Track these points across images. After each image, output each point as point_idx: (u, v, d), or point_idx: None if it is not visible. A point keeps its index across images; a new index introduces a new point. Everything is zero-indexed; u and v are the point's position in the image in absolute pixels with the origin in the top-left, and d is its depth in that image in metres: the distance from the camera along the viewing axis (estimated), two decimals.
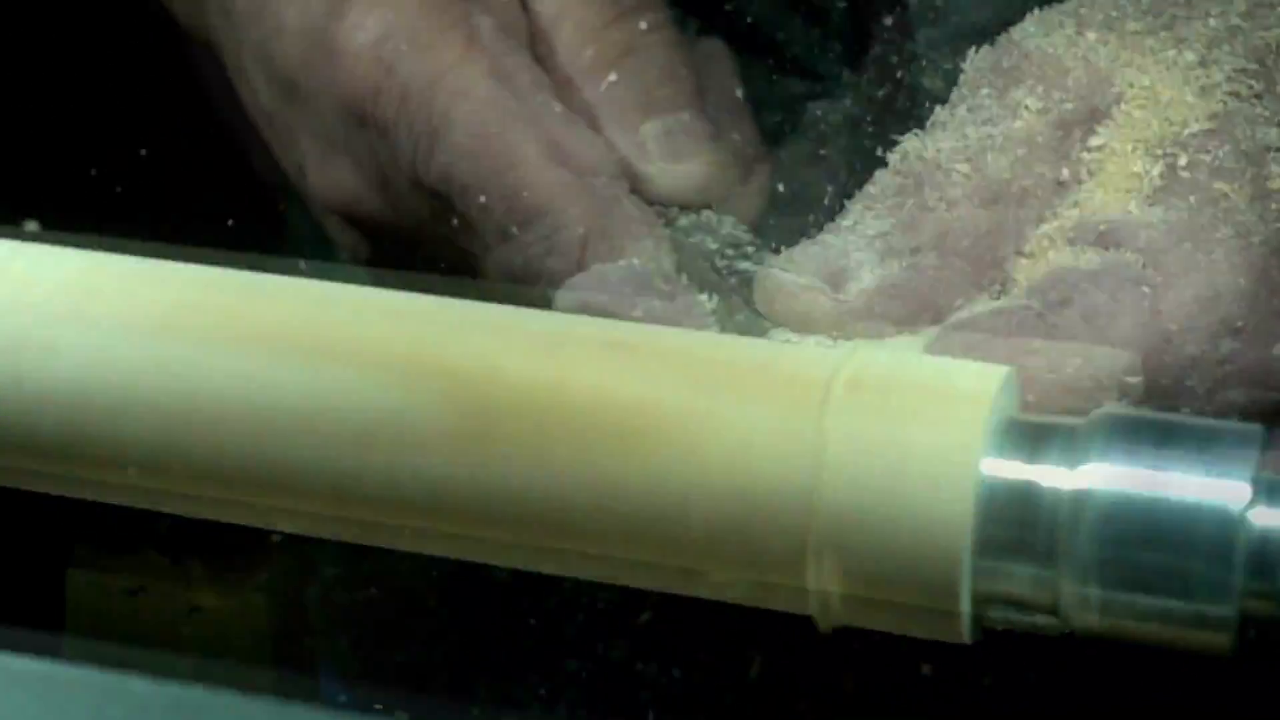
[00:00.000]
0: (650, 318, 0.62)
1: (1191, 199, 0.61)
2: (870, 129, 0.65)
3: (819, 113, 0.81)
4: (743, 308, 0.63)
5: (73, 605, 1.23)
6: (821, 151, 0.81)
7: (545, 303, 0.64)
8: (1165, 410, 0.56)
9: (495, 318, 0.57)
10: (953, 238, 0.62)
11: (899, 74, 0.79)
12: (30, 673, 0.49)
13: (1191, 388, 0.59)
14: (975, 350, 0.58)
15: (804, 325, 0.61)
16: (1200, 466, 0.50)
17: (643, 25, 0.71)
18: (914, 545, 0.50)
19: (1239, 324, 0.60)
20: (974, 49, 0.66)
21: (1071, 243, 0.62)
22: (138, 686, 0.48)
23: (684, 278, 0.65)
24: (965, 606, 0.51)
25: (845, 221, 0.63)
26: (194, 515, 0.57)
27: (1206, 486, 0.49)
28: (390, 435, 0.53)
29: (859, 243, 0.61)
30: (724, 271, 0.66)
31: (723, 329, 0.62)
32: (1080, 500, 0.50)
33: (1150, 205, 0.62)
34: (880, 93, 0.79)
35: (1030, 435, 0.51)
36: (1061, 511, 0.50)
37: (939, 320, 0.60)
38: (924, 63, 0.66)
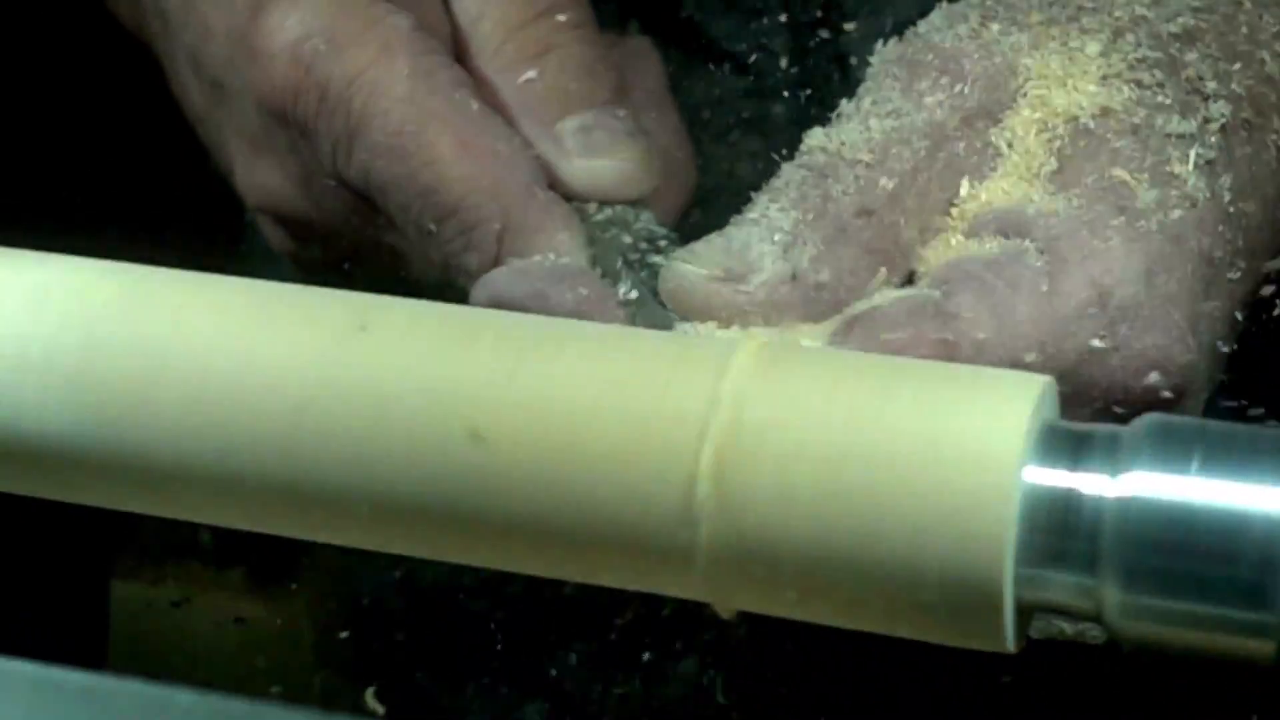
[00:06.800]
0: (563, 312, 0.63)
1: (1090, 187, 0.62)
2: (805, 123, 0.65)
3: (755, 108, 0.82)
4: (650, 300, 0.64)
5: (117, 617, 1.23)
6: (756, 146, 0.81)
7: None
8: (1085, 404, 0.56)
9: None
10: (855, 229, 0.62)
11: (832, 68, 0.79)
12: (75, 685, 0.49)
13: (1090, 374, 0.59)
14: (875, 340, 0.58)
15: (706, 316, 0.61)
16: (1244, 473, 0.50)
17: (562, 21, 0.72)
18: (956, 554, 0.50)
19: (1135, 309, 0.60)
20: (881, 42, 0.67)
21: (973, 232, 0.62)
22: (182, 698, 0.48)
23: (598, 272, 0.66)
24: (1009, 615, 0.51)
25: (750, 214, 0.63)
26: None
27: (1250, 494, 0.49)
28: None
29: (762, 234, 0.62)
30: (636, 265, 0.66)
31: (633, 322, 0.63)
32: (1123, 508, 0.50)
33: (1050, 194, 0.62)
34: (815, 87, 0.79)
35: (1072, 443, 0.51)
36: (1104, 519, 0.50)
37: (841, 310, 0.61)
38: (857, 58, 0.67)
